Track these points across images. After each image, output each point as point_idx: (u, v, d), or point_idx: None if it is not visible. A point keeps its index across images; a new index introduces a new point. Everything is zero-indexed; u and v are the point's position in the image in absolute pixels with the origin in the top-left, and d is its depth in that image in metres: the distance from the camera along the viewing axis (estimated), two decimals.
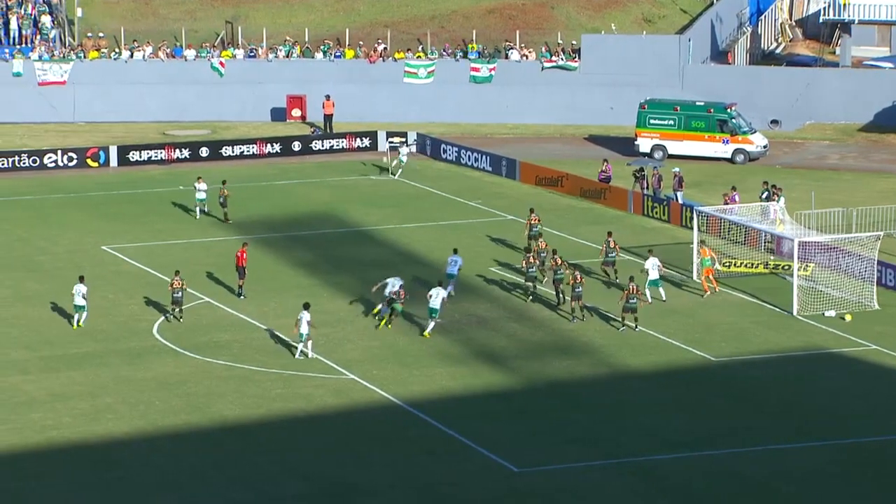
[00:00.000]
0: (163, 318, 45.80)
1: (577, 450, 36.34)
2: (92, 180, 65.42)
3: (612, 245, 48.91)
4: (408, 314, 45.64)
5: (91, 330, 45.17)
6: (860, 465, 35.46)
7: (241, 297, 47.61)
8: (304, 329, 41.67)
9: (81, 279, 45.22)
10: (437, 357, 42.68)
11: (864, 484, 34.39)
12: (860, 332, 44.40)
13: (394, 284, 44.58)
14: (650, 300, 45.68)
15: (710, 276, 47.65)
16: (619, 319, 44.36)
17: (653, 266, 46.50)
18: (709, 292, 47.63)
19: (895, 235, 53.15)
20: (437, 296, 43.89)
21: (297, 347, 42.12)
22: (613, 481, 34.65)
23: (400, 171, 63.93)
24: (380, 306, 44.74)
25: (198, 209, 57.59)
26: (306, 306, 42.11)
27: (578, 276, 45.03)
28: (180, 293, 45.22)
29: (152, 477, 35.07)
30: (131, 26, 79.93)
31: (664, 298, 46.18)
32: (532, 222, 51.97)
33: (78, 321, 44.84)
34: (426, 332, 43.81)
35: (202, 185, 57.49)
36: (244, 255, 47.97)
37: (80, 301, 44.78)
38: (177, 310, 45.33)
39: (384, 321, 44.46)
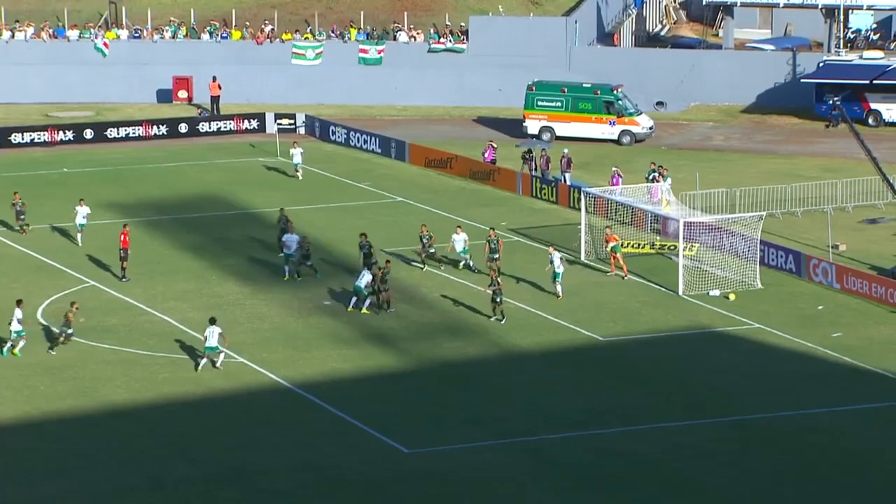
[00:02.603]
0: (48, 301, 45.16)
1: (468, 430, 36.52)
2: None
3: (491, 236, 47.83)
4: (301, 296, 45.53)
5: None
6: (747, 441, 36.09)
7: (125, 280, 47.03)
8: (215, 342, 39.91)
9: (19, 303, 41.35)
10: (327, 339, 42.60)
11: (752, 460, 35.01)
12: (744, 310, 45.17)
13: (363, 276, 44.31)
14: (561, 296, 45.39)
15: (621, 261, 47.98)
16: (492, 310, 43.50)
17: (556, 259, 45.77)
18: (616, 271, 47.86)
19: (777, 215, 54.15)
20: (362, 276, 44.10)
21: (201, 359, 40.24)
22: (505, 461, 34.90)
23: (300, 172, 60.68)
24: (353, 299, 44.26)
25: (79, 236, 51.21)
26: (213, 321, 40.47)
27: (500, 281, 44.02)
28: (21, 206, 49.26)
29: (40, 463, 34.57)
30: (12, 6, 78.41)
31: (560, 295, 45.67)
32: (490, 237, 48.14)
33: (11, 348, 40.78)
34: (364, 310, 44.02)
35: (84, 210, 51.44)
36: (126, 237, 47.31)
37: (17, 326, 40.70)
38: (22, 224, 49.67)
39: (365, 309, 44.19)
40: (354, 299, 44.22)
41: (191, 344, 41.86)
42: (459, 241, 48.27)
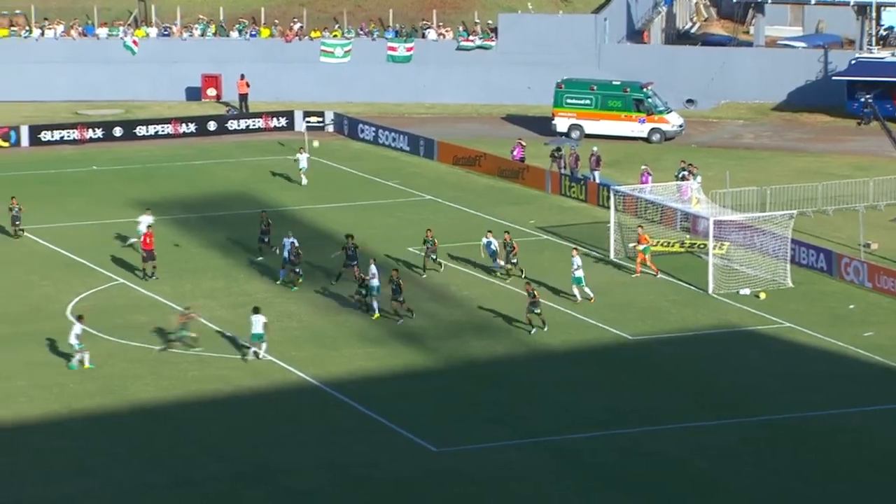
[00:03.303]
0: (77, 298, 45.28)
1: (495, 429, 36.38)
2: (3, 160, 64.36)
3: (507, 239, 46.96)
4: (333, 294, 45.51)
5: (3, 312, 44.46)
6: (775, 442, 35.82)
7: (153, 279, 46.97)
8: (260, 329, 40.35)
9: (80, 318, 40.55)
10: (354, 337, 42.52)
11: (780, 460, 34.75)
12: (775, 309, 44.86)
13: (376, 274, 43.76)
14: (580, 299, 45.02)
15: (648, 262, 47.68)
16: (528, 322, 42.62)
17: (576, 263, 45.15)
18: (641, 270, 47.58)
19: (808, 214, 53.79)
20: (376, 275, 43.61)
21: (248, 349, 40.57)
22: (531, 460, 34.74)
23: (304, 178, 59.14)
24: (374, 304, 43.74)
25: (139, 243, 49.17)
26: (257, 310, 40.74)
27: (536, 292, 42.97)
28: (17, 210, 49.78)
29: (66, 461, 34.60)
30: (42, 4, 78.67)
31: (591, 297, 45.15)
32: (505, 240, 47.54)
33: (81, 363, 39.87)
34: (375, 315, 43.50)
35: (148, 219, 49.89)
36: (149, 238, 47.18)
37: (75, 342, 39.83)
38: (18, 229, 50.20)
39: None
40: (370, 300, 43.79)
41: (219, 341, 41.84)
42: (490, 244, 47.77)
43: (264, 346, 40.57)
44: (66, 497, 32.82)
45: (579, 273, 45.08)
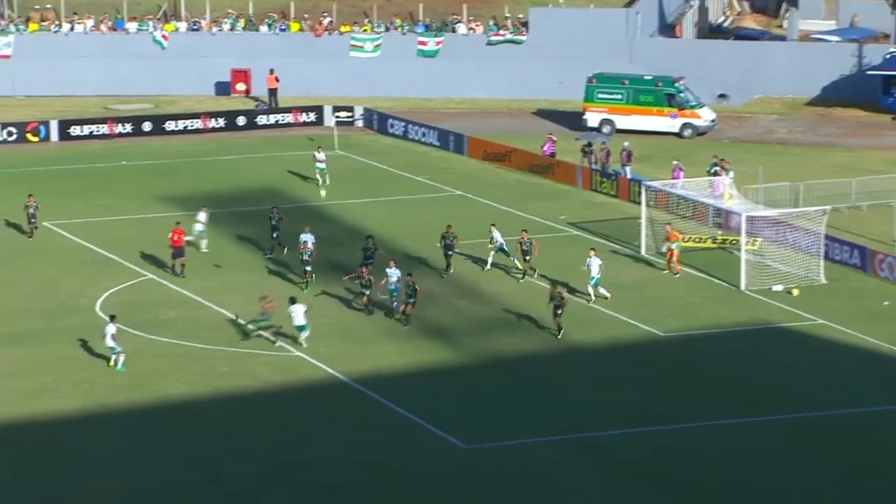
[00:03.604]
0: (107, 294, 45.22)
1: (524, 426, 36.12)
2: (32, 155, 64.48)
3: (524, 238, 46.42)
4: (358, 291, 45.32)
5: (32, 307, 44.47)
6: (808, 440, 35.46)
7: (182, 277, 46.77)
8: (302, 321, 40.52)
9: (113, 318, 39.73)
10: (384, 334, 42.31)
11: (812, 459, 34.40)
12: (808, 306, 44.44)
13: (391, 275, 43.09)
14: (594, 298, 44.30)
15: (675, 260, 47.23)
16: (556, 325, 41.72)
17: (595, 265, 44.37)
18: (669, 270, 47.17)
19: (842, 210, 53.29)
20: (393, 276, 43.13)
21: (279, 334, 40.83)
22: (561, 457, 34.47)
23: (322, 181, 57.34)
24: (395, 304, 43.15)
25: (203, 243, 49.02)
26: (293, 300, 40.88)
27: (564, 295, 42.20)
28: (34, 209, 49.82)
29: (96, 456, 34.53)
30: None
31: (608, 296, 44.53)
32: (522, 239, 46.74)
33: (115, 363, 39.37)
34: (396, 316, 42.89)
35: (203, 215, 49.33)
36: (179, 235, 46.91)
37: (110, 343, 39.30)
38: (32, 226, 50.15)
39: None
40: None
41: (249, 337, 41.69)
42: (497, 237, 47.21)
43: (304, 333, 40.57)
44: (97, 494, 32.72)
45: (598, 274, 44.25)
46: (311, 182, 58.89)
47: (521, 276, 46.54)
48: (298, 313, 40.57)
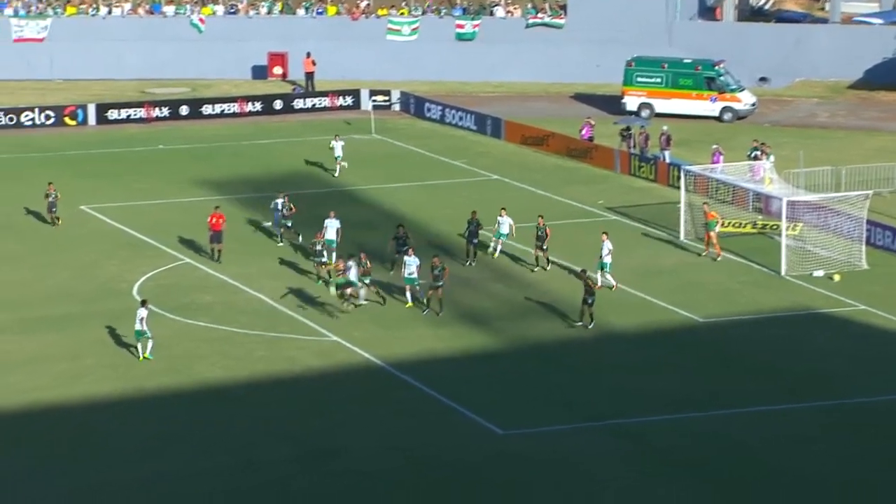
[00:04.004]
0: (143, 278, 45.26)
1: (561, 411, 35.89)
2: (70, 139, 64.65)
3: (540, 224, 45.37)
4: (393, 275, 45.12)
5: (70, 291, 44.56)
6: (849, 427, 35.10)
7: (218, 262, 46.66)
8: (354, 276, 41.19)
9: (144, 303, 39.45)
10: (420, 319, 42.13)
11: (853, 446, 34.02)
12: (849, 292, 43.98)
13: (410, 264, 42.59)
14: (599, 283, 43.13)
15: (714, 239, 46.78)
16: (581, 315, 40.95)
17: (606, 249, 43.63)
18: (708, 252, 46.69)
19: (884, 194, 52.70)
20: (410, 264, 42.54)
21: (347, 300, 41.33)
22: (598, 443, 34.24)
23: (338, 167, 56.85)
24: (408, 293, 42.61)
25: (333, 255, 45.58)
26: (351, 256, 41.96)
27: (591, 283, 41.07)
28: (54, 198, 49.76)
29: (134, 440, 34.53)
30: None
31: (613, 284, 43.72)
32: (539, 225, 45.77)
33: (143, 351, 38.87)
34: (408, 303, 42.67)
35: (334, 223, 46.46)
36: (218, 219, 46.76)
37: (139, 326, 38.73)
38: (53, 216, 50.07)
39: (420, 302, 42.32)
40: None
41: (285, 322, 41.63)
42: (504, 224, 46.59)
43: (363, 291, 41.24)
44: (131, 478, 32.72)
45: (608, 259, 43.60)
46: (349, 165, 58.73)
47: (535, 265, 45.50)
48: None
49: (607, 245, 43.84)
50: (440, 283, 41.84)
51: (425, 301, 42.26)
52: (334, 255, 45.13)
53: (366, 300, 42.01)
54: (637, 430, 34.88)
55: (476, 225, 46.07)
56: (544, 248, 45.48)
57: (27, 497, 31.84)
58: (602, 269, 43.79)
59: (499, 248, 46.91)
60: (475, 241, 46.13)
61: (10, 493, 32.01)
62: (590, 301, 40.67)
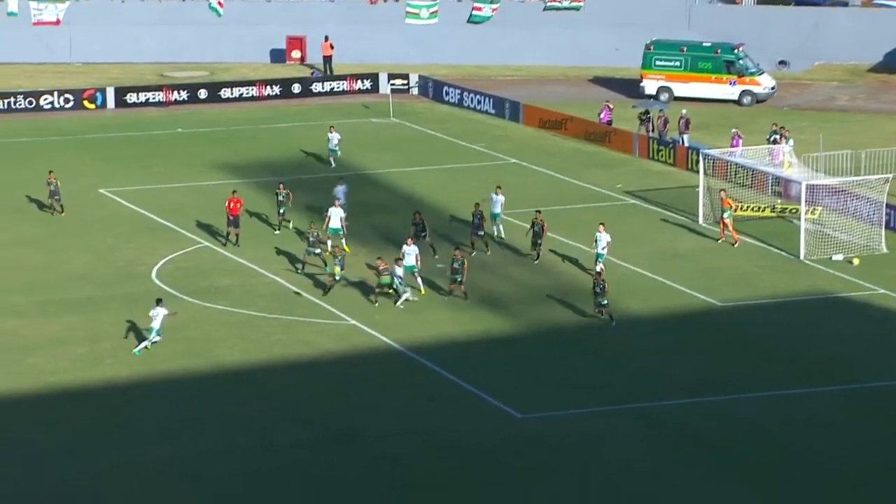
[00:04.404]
0: (162, 261, 45.35)
1: (580, 395, 35.88)
2: (89, 122, 64.75)
3: (538, 220, 44.55)
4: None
5: (89, 274, 44.67)
6: (866, 410, 35.01)
7: (237, 246, 46.68)
8: (401, 271, 41.19)
9: (159, 302, 38.81)
10: (438, 302, 42.14)
11: (871, 431, 33.94)
12: (868, 276, 43.84)
13: (409, 253, 42.28)
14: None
15: (730, 227, 46.56)
16: (599, 310, 40.24)
17: (602, 241, 43.14)
18: (724, 237, 46.52)
19: None
20: (409, 254, 42.21)
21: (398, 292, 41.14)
22: (617, 426, 34.23)
23: (332, 158, 55.93)
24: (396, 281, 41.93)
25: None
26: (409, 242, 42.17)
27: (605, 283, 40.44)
28: (55, 186, 49.25)
29: (153, 423, 34.64)
30: None
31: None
32: (536, 220, 44.94)
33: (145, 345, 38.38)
34: (421, 290, 42.20)
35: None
36: (236, 204, 46.73)
37: (152, 324, 38.23)
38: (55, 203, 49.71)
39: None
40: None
41: (302, 305, 41.68)
42: (497, 203, 46.19)
43: (419, 279, 41.50)
44: (150, 460, 32.83)
45: (604, 250, 43.08)
46: (367, 149, 58.75)
47: (535, 258, 44.84)
48: (411, 255, 41.43)
49: (605, 237, 43.23)
50: (460, 278, 41.50)
51: (449, 292, 42.04)
52: (343, 241, 45.14)
53: (411, 298, 41.34)
54: (656, 414, 34.87)
55: (480, 217, 45.39)
56: (539, 243, 44.54)
57: (50, 478, 31.98)
58: (598, 260, 43.26)
59: (500, 228, 46.57)
60: (480, 233, 45.41)
61: (33, 474, 32.16)
62: (604, 303, 39.97)
